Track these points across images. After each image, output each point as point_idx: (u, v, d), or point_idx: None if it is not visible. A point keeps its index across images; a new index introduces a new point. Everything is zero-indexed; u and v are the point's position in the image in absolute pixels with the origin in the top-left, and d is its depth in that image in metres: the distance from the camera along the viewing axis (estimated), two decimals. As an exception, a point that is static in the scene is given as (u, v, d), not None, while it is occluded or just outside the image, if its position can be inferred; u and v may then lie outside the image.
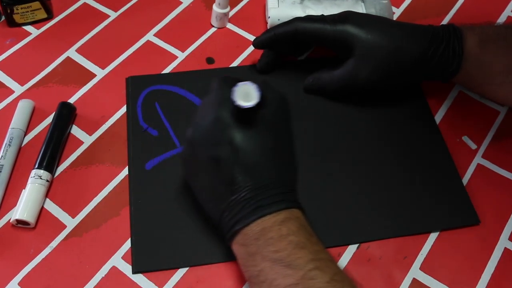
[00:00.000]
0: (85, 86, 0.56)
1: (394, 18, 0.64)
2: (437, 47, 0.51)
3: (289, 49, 0.58)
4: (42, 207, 0.48)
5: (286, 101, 0.44)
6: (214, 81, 0.43)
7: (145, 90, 0.55)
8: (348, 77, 0.52)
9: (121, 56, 0.59)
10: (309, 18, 0.53)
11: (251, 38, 0.61)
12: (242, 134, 0.40)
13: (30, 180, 0.48)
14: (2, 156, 0.49)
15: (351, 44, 0.51)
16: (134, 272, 0.45)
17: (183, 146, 0.51)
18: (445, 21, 0.65)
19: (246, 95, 0.38)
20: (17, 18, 0.60)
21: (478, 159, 0.54)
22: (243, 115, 0.39)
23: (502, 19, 0.66)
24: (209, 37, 0.62)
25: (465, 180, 0.52)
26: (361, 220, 0.48)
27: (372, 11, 0.60)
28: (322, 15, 0.54)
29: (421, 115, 0.56)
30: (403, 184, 0.50)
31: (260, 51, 0.58)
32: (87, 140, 0.53)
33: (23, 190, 0.47)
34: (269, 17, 0.60)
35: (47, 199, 0.48)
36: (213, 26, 0.63)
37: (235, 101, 0.38)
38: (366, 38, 0.51)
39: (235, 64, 0.59)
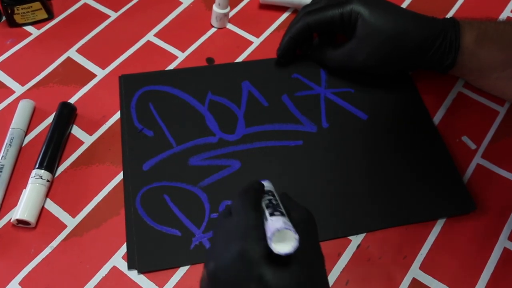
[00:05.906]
0: (85, 86, 0.56)
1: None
2: (435, 39, 0.52)
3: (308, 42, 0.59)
4: (43, 207, 0.48)
5: (313, 219, 0.39)
6: (235, 198, 0.39)
7: (138, 92, 0.55)
8: (347, 58, 0.54)
9: (121, 56, 0.59)
10: (316, 9, 0.54)
11: (251, 38, 0.62)
12: (273, 272, 0.35)
13: (30, 180, 0.48)
14: (2, 156, 0.49)
15: (355, 22, 0.52)
16: (129, 268, 0.45)
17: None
18: (444, 21, 0.65)
19: (282, 237, 0.34)
20: (17, 18, 0.60)
21: (477, 159, 0.54)
22: (276, 256, 0.35)
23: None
24: (209, 37, 0.62)
25: (464, 179, 0.52)
26: (361, 212, 0.49)
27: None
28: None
29: (414, 107, 0.57)
30: (402, 178, 0.51)
31: (259, 53, 0.58)
32: (88, 140, 0.53)
33: (24, 190, 0.48)
34: None
35: (48, 199, 0.49)
36: (213, 27, 0.63)
37: (273, 248, 0.34)
38: (368, 18, 0.52)
39: (235, 64, 0.59)
